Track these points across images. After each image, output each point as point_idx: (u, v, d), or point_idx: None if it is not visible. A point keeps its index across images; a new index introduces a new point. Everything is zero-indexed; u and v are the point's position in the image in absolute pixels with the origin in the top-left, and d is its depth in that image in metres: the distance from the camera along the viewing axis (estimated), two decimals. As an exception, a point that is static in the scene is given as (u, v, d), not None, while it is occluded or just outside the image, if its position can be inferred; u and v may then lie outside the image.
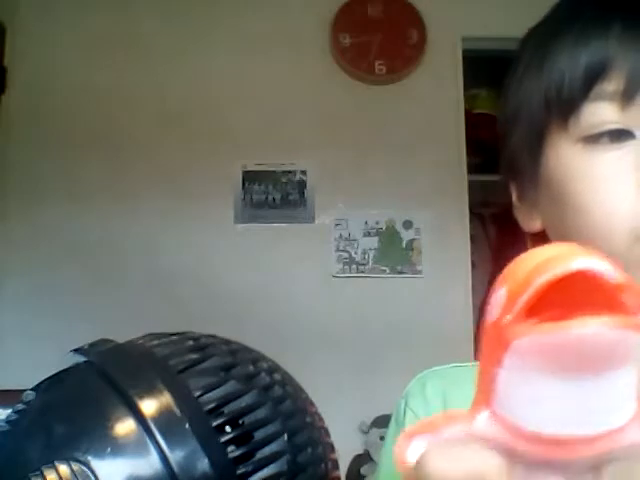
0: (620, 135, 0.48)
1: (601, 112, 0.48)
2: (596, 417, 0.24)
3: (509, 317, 0.24)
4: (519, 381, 0.24)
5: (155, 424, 0.33)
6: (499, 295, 0.25)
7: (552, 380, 0.24)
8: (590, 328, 0.22)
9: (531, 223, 0.57)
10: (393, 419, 0.63)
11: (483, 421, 0.26)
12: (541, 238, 0.56)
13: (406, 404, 0.61)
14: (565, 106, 0.50)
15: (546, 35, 0.54)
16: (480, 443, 0.26)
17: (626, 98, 0.48)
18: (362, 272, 2.37)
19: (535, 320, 0.23)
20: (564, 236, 0.53)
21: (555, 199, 0.52)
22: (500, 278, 0.25)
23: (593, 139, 0.49)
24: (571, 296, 0.23)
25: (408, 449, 0.26)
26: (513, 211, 0.59)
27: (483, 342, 0.26)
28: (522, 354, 0.24)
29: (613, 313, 0.23)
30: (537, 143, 0.53)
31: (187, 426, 0.34)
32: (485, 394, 0.26)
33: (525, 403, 0.25)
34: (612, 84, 0.48)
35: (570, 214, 0.51)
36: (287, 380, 0.40)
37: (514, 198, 0.59)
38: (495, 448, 0.25)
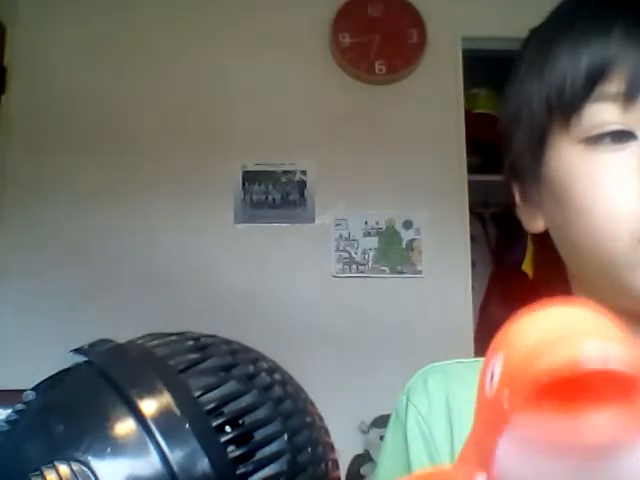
0: (622, 136, 0.48)
1: (603, 113, 0.48)
2: None
3: (507, 392, 0.23)
4: (519, 456, 0.23)
5: (155, 424, 0.33)
6: (493, 366, 0.24)
7: (553, 461, 0.23)
8: (597, 420, 0.21)
9: (534, 223, 0.57)
10: (394, 415, 0.63)
11: None
12: (544, 238, 0.56)
13: (408, 399, 0.61)
14: (567, 107, 0.50)
15: (548, 36, 0.54)
16: None
17: (628, 99, 0.48)
18: (362, 272, 2.37)
19: (534, 398, 0.22)
20: (567, 236, 0.53)
21: (557, 200, 0.52)
22: (496, 342, 0.24)
23: (595, 140, 0.49)
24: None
25: None
26: (516, 211, 0.59)
27: (479, 401, 0.25)
28: (522, 431, 0.23)
29: (624, 407, 0.21)
30: (539, 144, 0.53)
31: (187, 426, 0.34)
32: (483, 456, 0.25)
33: (525, 476, 0.24)
34: (614, 85, 0.48)
35: (572, 215, 0.50)
36: (287, 380, 0.40)
37: (517, 198, 0.59)
38: None
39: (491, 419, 0.24)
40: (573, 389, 0.21)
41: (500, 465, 0.24)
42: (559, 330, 0.22)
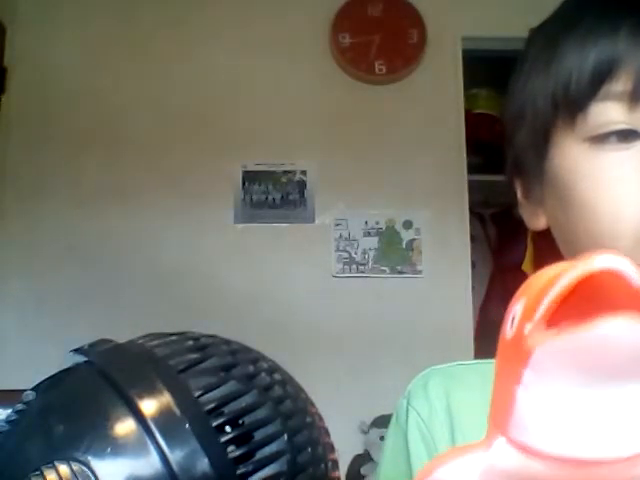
0: (627, 135, 0.48)
1: (609, 112, 0.48)
2: (628, 435, 0.22)
3: (529, 326, 0.22)
4: (540, 398, 0.23)
5: (155, 424, 0.33)
6: (515, 310, 0.23)
7: (577, 393, 0.22)
8: (615, 325, 0.20)
9: (536, 221, 0.57)
10: (394, 419, 0.62)
11: (500, 450, 0.24)
12: (546, 236, 0.56)
13: (408, 403, 0.60)
14: (572, 105, 0.50)
15: (554, 33, 0.54)
16: (499, 475, 0.24)
17: (634, 98, 0.47)
18: (362, 272, 2.37)
19: (555, 327, 0.22)
20: (569, 234, 0.53)
21: (561, 198, 0.52)
22: (515, 296, 0.24)
23: (600, 139, 0.49)
24: (592, 304, 0.22)
25: None
26: (518, 209, 0.59)
27: (498, 361, 0.24)
28: (544, 364, 0.22)
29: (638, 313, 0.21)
30: (543, 141, 0.53)
31: (187, 426, 0.34)
32: (501, 418, 0.24)
33: (547, 423, 0.23)
34: (620, 84, 0.48)
35: (576, 213, 0.50)
36: (287, 380, 0.40)
37: (519, 196, 0.58)
38: (515, 478, 0.24)
39: (512, 365, 0.23)
40: (592, 313, 0.21)
41: (522, 414, 0.23)
42: (571, 264, 0.22)
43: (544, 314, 0.22)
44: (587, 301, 0.22)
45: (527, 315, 0.22)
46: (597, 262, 0.21)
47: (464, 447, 0.26)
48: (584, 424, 0.22)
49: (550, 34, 0.54)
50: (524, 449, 0.23)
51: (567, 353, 0.21)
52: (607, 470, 0.23)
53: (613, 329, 0.21)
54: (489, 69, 2.31)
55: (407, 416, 0.60)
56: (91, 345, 0.40)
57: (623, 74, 0.48)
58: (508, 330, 0.23)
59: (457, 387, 0.59)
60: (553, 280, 0.22)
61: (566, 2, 0.56)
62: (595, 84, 0.48)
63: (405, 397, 0.62)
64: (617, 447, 0.22)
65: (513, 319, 0.23)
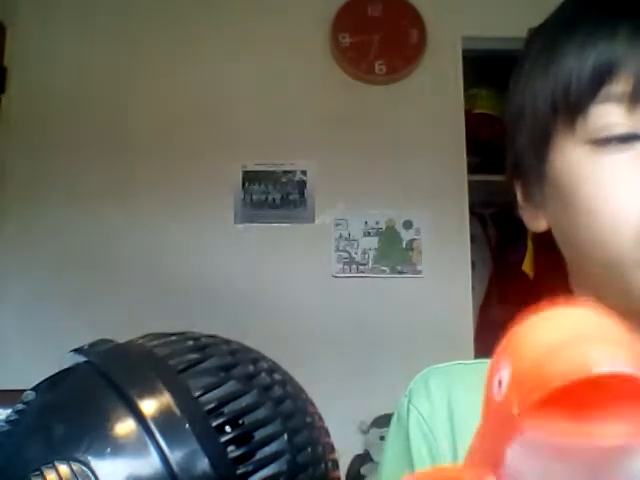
0: (628, 138, 0.48)
1: (608, 114, 0.48)
2: None
3: (515, 402, 0.22)
4: (529, 464, 0.23)
5: (155, 424, 0.33)
6: (502, 376, 0.23)
7: (564, 466, 0.23)
8: (612, 440, 0.21)
9: (536, 223, 0.57)
10: (395, 417, 0.62)
11: None
12: (546, 237, 0.56)
13: (409, 401, 0.61)
14: (572, 107, 0.50)
15: (553, 35, 0.54)
16: None
17: (634, 100, 0.47)
18: (362, 272, 2.37)
19: (544, 408, 0.22)
20: (570, 237, 0.53)
21: (561, 200, 0.52)
22: (502, 349, 0.24)
23: (601, 142, 0.49)
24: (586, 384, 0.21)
25: None
26: (518, 210, 0.59)
27: (486, 406, 0.25)
28: (532, 439, 0.22)
29: (635, 410, 0.21)
30: (543, 143, 0.53)
31: (187, 426, 0.34)
32: (491, 463, 0.25)
33: None
34: (620, 86, 0.48)
35: (577, 215, 0.50)
36: (287, 380, 0.40)
37: (519, 197, 0.58)
38: None
39: (500, 424, 0.24)
40: (581, 394, 0.21)
41: (510, 470, 0.24)
42: (566, 334, 0.22)
43: (535, 404, 0.22)
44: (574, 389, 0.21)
45: (515, 386, 0.22)
46: (594, 367, 0.21)
47: (451, 475, 0.26)
48: None
49: (549, 36, 0.54)
50: None
51: (555, 440, 0.22)
52: None
53: (607, 427, 0.21)
54: (489, 69, 2.31)
55: (408, 414, 0.60)
56: (91, 345, 0.40)
57: (622, 76, 0.48)
58: (495, 391, 0.24)
59: (458, 386, 0.59)
60: (544, 362, 0.21)
61: (565, 3, 0.56)
62: (595, 86, 0.48)
63: (406, 396, 0.62)
64: None
65: (500, 382, 0.23)
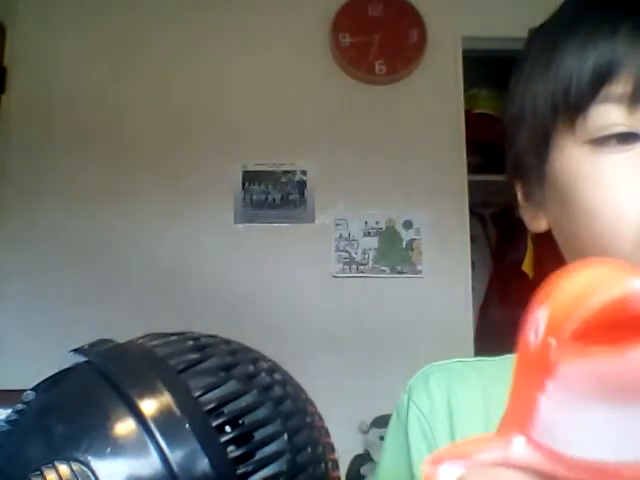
0: (628, 138, 0.48)
1: (609, 115, 0.48)
2: None
3: (554, 341, 0.22)
4: (563, 408, 0.23)
5: (155, 424, 0.33)
6: (539, 316, 0.23)
7: (600, 407, 0.23)
8: None
9: (537, 223, 0.57)
10: (395, 414, 0.63)
11: (520, 447, 0.25)
12: (546, 237, 0.56)
13: (409, 398, 0.61)
14: (572, 107, 0.50)
15: (553, 36, 0.54)
16: (518, 470, 0.25)
17: (634, 101, 0.47)
18: (362, 272, 2.37)
19: (580, 344, 0.22)
20: (570, 237, 0.53)
21: (561, 200, 0.52)
22: (538, 297, 0.24)
23: (600, 141, 0.49)
24: (618, 321, 0.22)
25: (438, 473, 0.25)
26: (518, 210, 0.59)
27: (519, 363, 0.25)
28: (568, 380, 0.22)
29: None
30: (543, 144, 0.53)
31: (187, 426, 0.34)
32: (521, 418, 0.25)
33: (569, 430, 0.23)
34: (620, 86, 0.48)
35: (576, 215, 0.50)
36: (287, 380, 0.40)
37: (519, 198, 0.59)
38: (533, 475, 0.24)
39: (534, 373, 0.23)
40: (618, 333, 0.21)
41: (541, 424, 0.24)
42: (601, 277, 0.22)
43: (574, 334, 0.22)
44: (612, 317, 0.22)
45: (553, 329, 0.23)
46: (633, 297, 0.21)
47: (480, 440, 0.26)
48: (604, 433, 0.23)
49: (549, 36, 0.54)
50: (547, 450, 0.24)
51: (592, 374, 0.22)
52: (627, 472, 0.23)
53: None
54: (489, 69, 2.31)
55: (408, 411, 0.60)
56: (91, 345, 0.40)
57: (622, 76, 0.48)
58: (531, 337, 0.24)
59: (457, 383, 0.60)
60: (582, 295, 0.22)
61: (565, 4, 0.56)
62: (595, 87, 0.49)
63: (406, 392, 0.62)
64: (634, 453, 0.23)
65: (537, 327, 0.23)
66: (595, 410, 0.23)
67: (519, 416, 0.25)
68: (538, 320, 0.23)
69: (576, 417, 0.23)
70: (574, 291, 0.23)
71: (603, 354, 0.21)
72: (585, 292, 0.22)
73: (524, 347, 0.24)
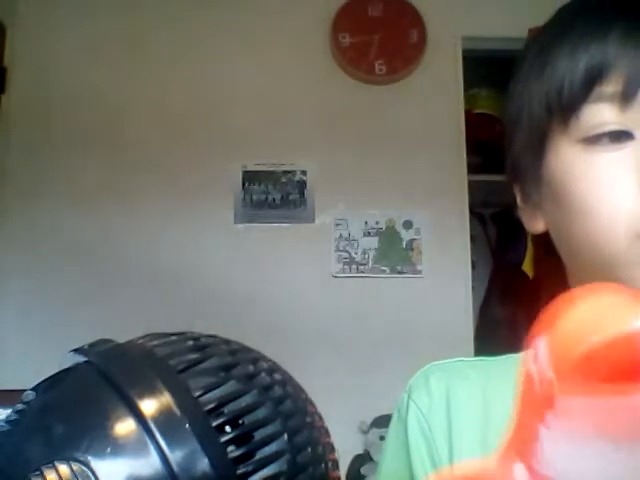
0: (620, 136, 0.49)
1: (601, 114, 0.49)
2: None
3: (554, 375, 0.22)
4: (563, 440, 0.23)
5: (155, 424, 0.33)
6: (541, 345, 0.23)
7: (599, 442, 0.23)
8: None
9: (534, 224, 0.58)
10: (396, 413, 0.63)
11: (520, 475, 0.25)
12: (544, 239, 0.57)
13: (409, 397, 0.61)
14: (565, 108, 0.51)
15: (548, 38, 0.55)
16: None
17: (625, 99, 0.48)
18: (362, 272, 2.37)
19: (581, 378, 0.22)
20: (566, 236, 0.53)
21: (557, 200, 0.53)
22: (539, 325, 0.24)
23: (593, 140, 0.49)
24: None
25: None
26: (517, 212, 0.60)
27: (523, 389, 0.25)
28: (568, 413, 0.23)
29: None
30: (539, 145, 0.54)
31: (187, 426, 0.34)
32: (522, 446, 0.25)
33: (568, 462, 0.24)
34: (611, 86, 0.49)
35: (571, 214, 0.51)
36: (287, 380, 0.40)
37: (518, 199, 0.59)
38: None
39: (536, 405, 0.24)
40: (620, 369, 0.21)
41: (544, 448, 0.24)
42: (606, 311, 0.22)
43: (574, 369, 0.22)
44: (614, 355, 0.22)
45: (555, 361, 0.23)
46: (636, 324, 0.21)
47: (478, 465, 0.26)
48: (602, 470, 0.23)
49: (545, 39, 0.56)
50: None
51: (592, 410, 0.22)
52: None
53: None
54: (489, 69, 2.31)
55: (407, 410, 0.61)
56: (91, 345, 0.40)
57: (614, 76, 0.48)
58: (531, 365, 0.24)
59: (458, 382, 0.60)
60: (585, 330, 0.22)
61: (561, 9, 0.57)
62: (587, 87, 0.49)
63: (406, 391, 0.62)
64: None
65: (539, 357, 0.23)
66: (594, 445, 0.23)
67: (520, 443, 0.25)
68: (541, 350, 0.23)
69: (575, 450, 0.23)
70: (577, 324, 0.22)
71: (603, 392, 0.21)
72: (588, 326, 0.22)
73: (526, 376, 0.24)
